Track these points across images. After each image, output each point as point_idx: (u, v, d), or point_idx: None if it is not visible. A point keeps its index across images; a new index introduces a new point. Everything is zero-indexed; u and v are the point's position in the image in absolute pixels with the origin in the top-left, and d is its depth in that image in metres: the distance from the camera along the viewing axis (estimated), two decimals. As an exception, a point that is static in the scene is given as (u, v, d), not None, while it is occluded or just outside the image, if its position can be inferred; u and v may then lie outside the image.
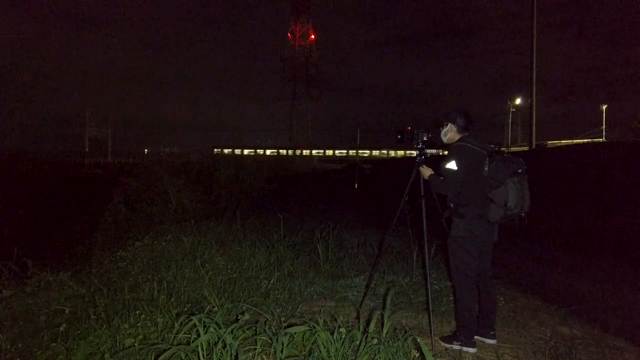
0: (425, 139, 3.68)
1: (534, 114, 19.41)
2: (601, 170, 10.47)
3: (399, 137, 3.81)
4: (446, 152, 3.42)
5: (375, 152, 71.92)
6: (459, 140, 3.35)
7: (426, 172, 3.52)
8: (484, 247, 3.29)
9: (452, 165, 3.21)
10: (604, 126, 40.23)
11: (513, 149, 40.44)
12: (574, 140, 35.75)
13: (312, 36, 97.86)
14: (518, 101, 47.41)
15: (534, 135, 19.51)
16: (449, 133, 3.47)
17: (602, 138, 37.56)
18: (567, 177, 11.62)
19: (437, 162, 3.44)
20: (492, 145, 3.37)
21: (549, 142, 36.87)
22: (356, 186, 21.54)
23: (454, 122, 3.42)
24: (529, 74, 19.30)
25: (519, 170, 3.09)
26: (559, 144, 31.93)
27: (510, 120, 51.23)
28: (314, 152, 76.82)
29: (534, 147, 19.57)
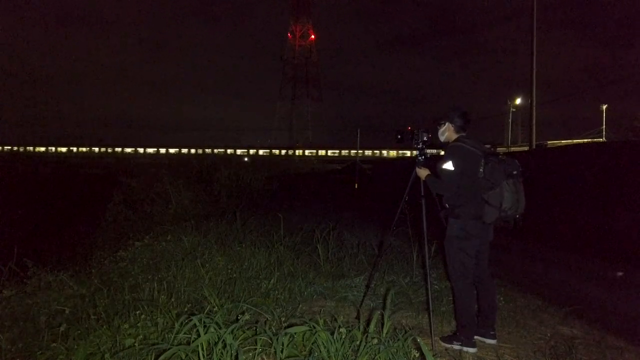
0: (425, 139, 3.67)
1: (534, 114, 19.40)
2: (601, 170, 10.47)
3: (399, 137, 3.80)
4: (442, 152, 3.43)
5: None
6: (456, 140, 3.35)
7: (423, 172, 3.51)
8: (481, 247, 3.29)
9: (448, 165, 3.21)
10: (603, 126, 40.20)
11: (513, 149, 40.43)
12: (574, 140, 35.71)
13: (312, 36, 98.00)
14: (518, 101, 47.33)
15: (534, 135, 19.49)
16: (447, 132, 3.47)
17: (602, 138, 37.53)
18: (566, 177, 11.62)
19: (437, 162, 3.44)
20: (488, 146, 3.37)
21: (549, 142, 36.83)
22: (356, 186, 21.54)
23: (451, 122, 3.41)
24: (529, 73, 19.30)
25: (514, 172, 3.09)
26: (559, 144, 31.92)
27: (510, 120, 51.16)
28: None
29: (534, 147, 19.56)
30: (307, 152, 76.87)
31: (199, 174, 13.71)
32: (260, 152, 72.70)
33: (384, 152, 73.15)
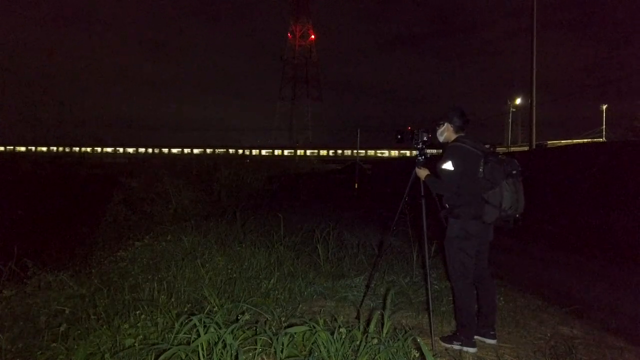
0: (425, 139, 3.67)
1: (534, 114, 19.41)
2: (600, 170, 10.47)
3: (399, 137, 3.81)
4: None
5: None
6: (455, 140, 3.36)
7: (422, 173, 3.52)
8: (481, 247, 3.29)
9: (448, 165, 3.21)
10: (603, 126, 40.19)
11: (513, 149, 40.41)
12: (574, 140, 35.69)
13: (312, 36, 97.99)
14: (518, 101, 47.34)
15: (534, 135, 19.51)
16: (446, 132, 3.47)
17: (602, 138, 37.52)
18: (566, 177, 11.62)
19: (436, 162, 3.44)
20: (488, 146, 3.37)
21: (549, 142, 36.82)
22: (356, 186, 21.54)
23: (450, 122, 3.42)
24: (529, 74, 19.31)
25: (514, 172, 3.09)
26: (559, 144, 31.92)
27: (510, 120, 51.15)
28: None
29: (534, 147, 19.57)
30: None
31: (198, 174, 13.70)
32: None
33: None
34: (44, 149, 75.16)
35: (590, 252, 7.63)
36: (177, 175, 12.30)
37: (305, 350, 2.75)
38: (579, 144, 24.78)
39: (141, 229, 9.01)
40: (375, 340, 2.64)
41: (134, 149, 76.12)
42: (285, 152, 76.23)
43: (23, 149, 73.32)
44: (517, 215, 3.13)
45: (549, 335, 3.60)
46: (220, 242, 5.95)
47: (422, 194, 3.57)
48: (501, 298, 4.32)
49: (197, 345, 2.63)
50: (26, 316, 4.02)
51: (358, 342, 2.66)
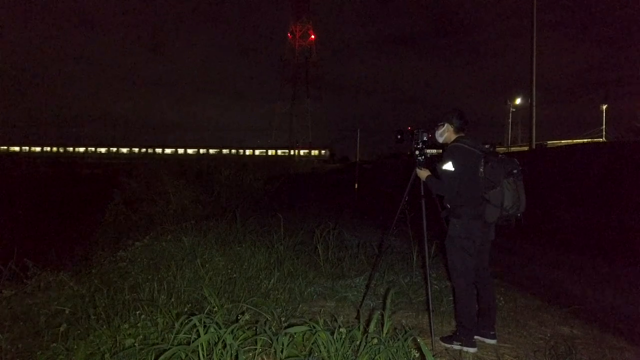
0: (425, 139, 3.68)
1: (534, 114, 19.41)
2: (600, 169, 10.47)
3: (399, 137, 3.82)
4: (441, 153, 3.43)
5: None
6: (455, 140, 3.37)
7: (423, 173, 3.52)
8: (482, 247, 3.29)
9: (448, 166, 3.22)
10: (604, 126, 40.18)
11: (513, 149, 40.40)
12: (574, 140, 35.67)
13: (312, 36, 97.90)
14: (518, 101, 47.31)
15: (534, 135, 19.51)
16: (445, 133, 3.49)
17: (602, 138, 37.50)
18: (566, 176, 11.63)
19: (436, 163, 3.44)
20: (487, 146, 3.38)
21: (549, 142, 36.80)
22: (356, 186, 21.53)
23: (450, 123, 3.44)
24: (528, 73, 19.31)
25: (514, 171, 3.11)
26: (559, 144, 31.91)
27: (510, 120, 51.12)
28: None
29: (534, 147, 19.57)
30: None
31: (199, 174, 13.69)
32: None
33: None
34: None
35: (591, 252, 7.63)
36: (177, 176, 12.29)
37: (305, 350, 2.75)
38: (579, 143, 24.77)
39: (141, 229, 9.00)
40: (375, 340, 2.64)
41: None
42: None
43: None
44: (519, 215, 3.15)
45: (549, 335, 3.60)
46: (220, 242, 5.95)
47: (422, 193, 3.57)
48: (501, 298, 4.31)
49: (197, 346, 2.63)
50: (26, 316, 4.02)
51: (358, 342, 2.66)
